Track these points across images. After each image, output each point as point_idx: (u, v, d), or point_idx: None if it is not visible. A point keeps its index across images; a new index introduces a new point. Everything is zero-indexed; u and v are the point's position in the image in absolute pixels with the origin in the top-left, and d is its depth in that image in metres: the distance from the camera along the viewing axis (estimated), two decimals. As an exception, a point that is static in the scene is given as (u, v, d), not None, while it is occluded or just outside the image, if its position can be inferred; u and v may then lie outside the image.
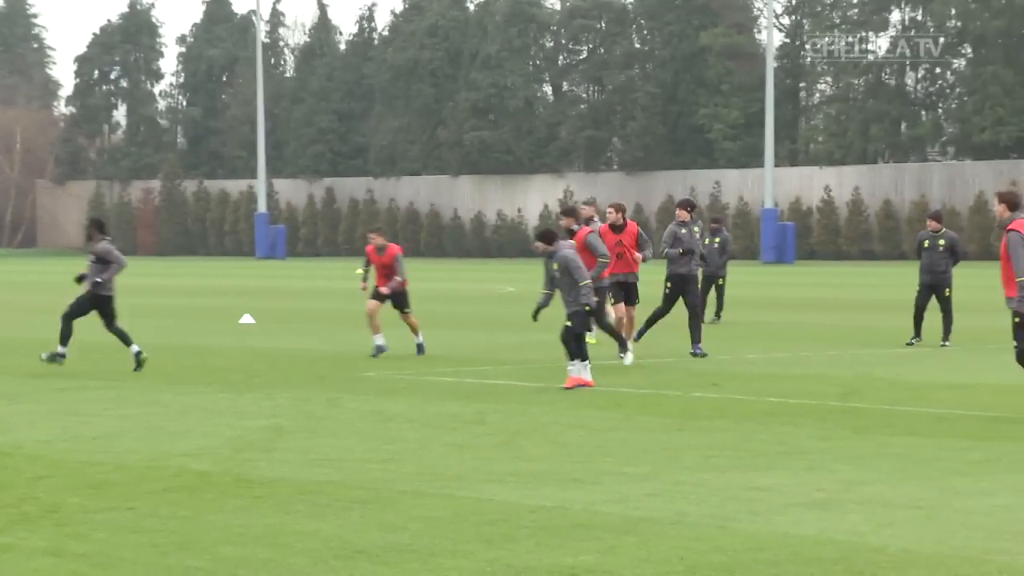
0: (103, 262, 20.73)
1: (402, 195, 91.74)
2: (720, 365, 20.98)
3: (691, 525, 9.89)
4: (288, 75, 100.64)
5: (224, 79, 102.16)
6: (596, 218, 22.37)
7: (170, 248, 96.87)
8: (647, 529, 9.79)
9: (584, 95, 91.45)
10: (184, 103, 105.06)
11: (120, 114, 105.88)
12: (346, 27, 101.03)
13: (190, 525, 9.99)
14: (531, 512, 10.35)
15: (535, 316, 18.84)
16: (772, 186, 73.95)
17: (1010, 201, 15.03)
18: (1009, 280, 14.88)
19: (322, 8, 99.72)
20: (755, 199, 77.50)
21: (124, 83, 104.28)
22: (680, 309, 21.97)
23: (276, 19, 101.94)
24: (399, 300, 22.33)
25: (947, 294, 23.85)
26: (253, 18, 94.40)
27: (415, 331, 22.48)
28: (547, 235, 18.40)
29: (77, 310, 20.88)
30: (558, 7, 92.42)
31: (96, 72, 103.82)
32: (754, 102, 79.89)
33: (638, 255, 21.57)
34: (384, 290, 22.15)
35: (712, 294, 30.14)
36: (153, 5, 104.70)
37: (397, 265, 22.24)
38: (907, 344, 23.78)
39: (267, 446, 13.51)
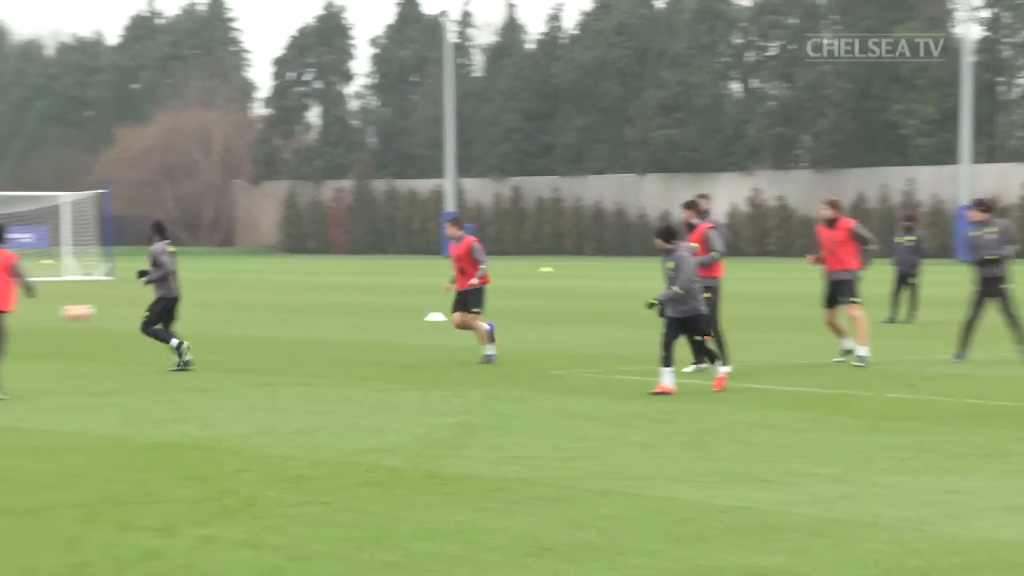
0: (154, 264, 20.70)
1: (588, 194, 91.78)
2: (915, 366, 20.64)
3: (886, 528, 9.76)
4: (476, 75, 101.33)
5: (414, 80, 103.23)
6: (711, 211, 20.69)
7: (361, 246, 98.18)
8: (840, 531, 9.68)
9: (774, 92, 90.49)
10: (376, 103, 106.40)
11: (314, 115, 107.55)
12: (535, 27, 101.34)
13: (382, 520, 10.12)
14: (719, 512, 10.30)
15: (655, 307, 17.57)
16: (968, 183, 72.41)
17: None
18: None
19: (510, 8, 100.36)
20: (951, 197, 75.95)
21: (318, 84, 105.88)
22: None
23: (465, 20, 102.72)
24: (470, 298, 21.35)
25: None
26: (442, 19, 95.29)
27: (483, 339, 21.25)
28: (667, 232, 17.69)
29: (153, 319, 20.62)
30: (748, 3, 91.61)
31: (292, 74, 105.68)
32: (949, 97, 78.26)
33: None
34: (473, 281, 21.15)
35: (906, 294, 29.68)
36: (346, 8, 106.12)
37: (476, 256, 21.36)
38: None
39: (457, 443, 13.64)
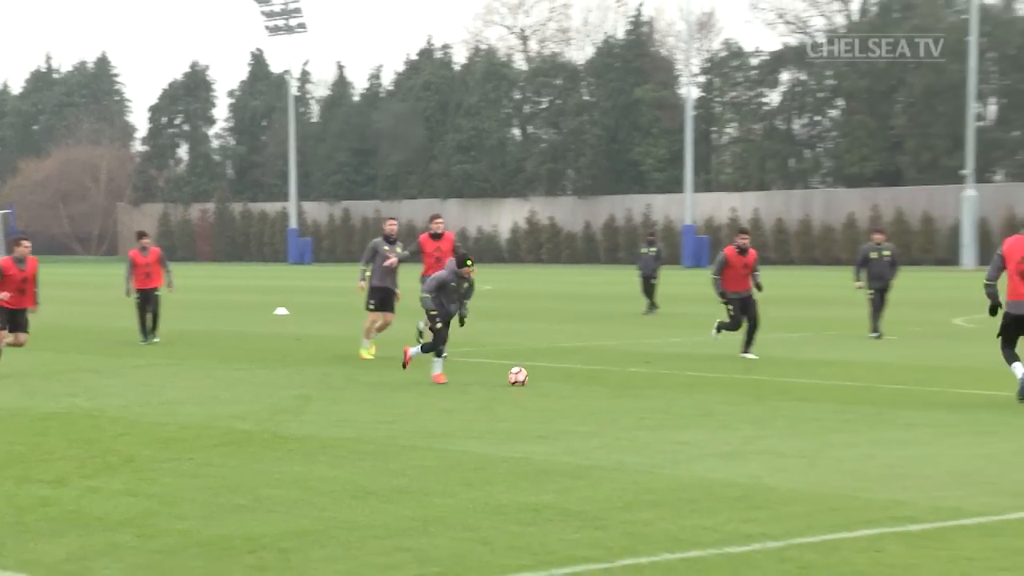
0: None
1: (403, 214, 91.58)
2: (652, 348, 20.97)
3: (628, 471, 9.87)
4: (314, 120, 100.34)
5: (264, 124, 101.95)
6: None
7: (222, 256, 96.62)
8: (594, 475, 9.76)
9: (545, 136, 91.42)
10: (233, 142, 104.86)
11: (183, 151, 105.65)
12: (359, 83, 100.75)
13: (237, 472, 9.94)
14: (503, 461, 10.32)
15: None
16: (691, 208, 74.14)
17: None
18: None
19: (340, 68, 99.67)
20: (679, 218, 77.58)
21: (186, 127, 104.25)
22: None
23: (304, 77, 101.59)
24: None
25: (887, 294, 22.38)
26: (286, 76, 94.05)
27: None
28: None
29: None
30: (525, 67, 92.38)
31: (164, 119, 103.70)
32: (676, 142, 79.99)
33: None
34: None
35: (648, 292, 30.22)
36: (209, 66, 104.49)
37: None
38: (874, 337, 21.97)
39: (297, 410, 13.46)
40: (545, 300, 35.73)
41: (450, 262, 16.24)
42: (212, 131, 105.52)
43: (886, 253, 22.71)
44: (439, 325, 15.94)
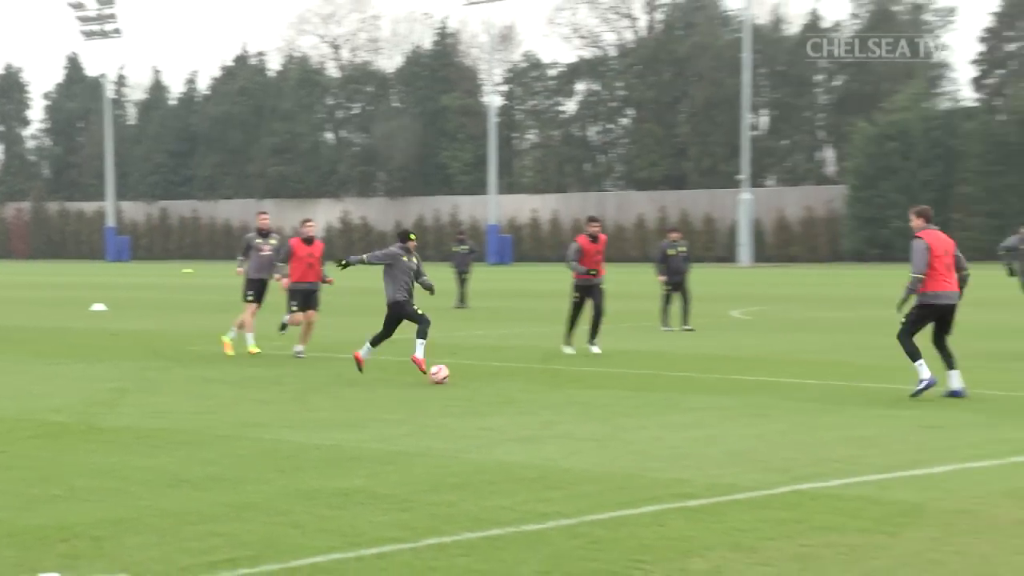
0: None
1: (220, 214, 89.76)
2: (460, 340, 21.04)
3: (435, 456, 9.86)
4: (131, 123, 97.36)
5: (80, 126, 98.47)
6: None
7: (38, 254, 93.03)
8: (402, 460, 9.73)
9: (358, 140, 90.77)
10: (49, 143, 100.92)
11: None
12: (176, 87, 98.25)
13: (51, 464, 9.56)
14: (315, 449, 10.21)
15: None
16: (495, 208, 74.70)
17: (926, 216, 13.52)
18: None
19: (156, 73, 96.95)
20: (483, 218, 78.09)
21: (1, 128, 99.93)
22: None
23: (121, 80, 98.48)
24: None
25: (687, 288, 22.64)
26: (102, 80, 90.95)
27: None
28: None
29: None
30: (337, 75, 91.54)
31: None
32: (481, 147, 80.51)
33: None
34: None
35: (461, 288, 30.34)
36: (23, 68, 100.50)
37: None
38: (665, 329, 22.14)
39: (113, 403, 13.03)
40: (357, 296, 35.51)
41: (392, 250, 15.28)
42: (27, 132, 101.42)
43: (682, 250, 23.12)
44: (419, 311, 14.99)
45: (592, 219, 18.79)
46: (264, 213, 19.57)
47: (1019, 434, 10.76)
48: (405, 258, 15.20)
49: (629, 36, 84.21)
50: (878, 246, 66.70)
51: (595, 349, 18.16)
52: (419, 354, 15.05)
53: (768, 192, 73.58)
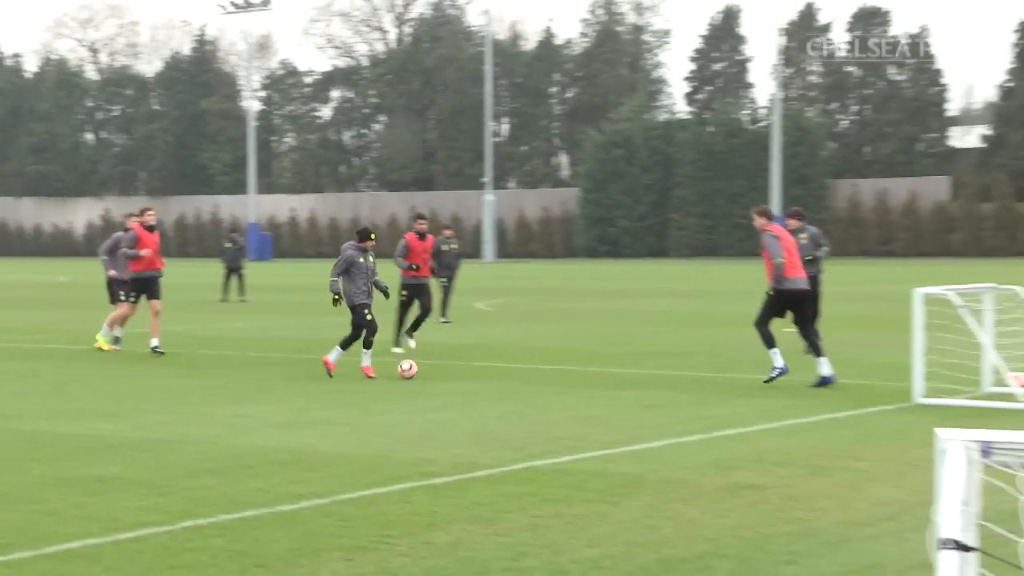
0: None
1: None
2: (224, 332, 20.52)
3: (194, 443, 9.61)
4: None
5: None
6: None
7: None
8: (160, 447, 9.43)
9: (118, 141, 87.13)
10: None
11: None
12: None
13: None
14: (73, 438, 9.76)
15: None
16: (255, 207, 73.21)
17: (767, 215, 13.49)
18: (769, 269, 13.20)
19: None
20: (244, 216, 76.34)
21: None
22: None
23: None
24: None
25: (447, 283, 22.20)
26: None
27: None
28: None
29: None
30: (96, 78, 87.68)
31: None
32: (241, 148, 78.66)
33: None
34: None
35: (235, 283, 29.59)
36: None
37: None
38: (444, 322, 21.53)
39: None
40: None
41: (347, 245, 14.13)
42: None
43: (454, 246, 22.71)
44: (368, 314, 13.83)
45: (420, 216, 17.92)
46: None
47: (723, 411, 11.35)
48: (361, 259, 14.01)
49: (380, 47, 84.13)
50: (607, 243, 68.99)
51: (411, 343, 17.10)
52: (332, 357, 13.96)
53: (509, 194, 74.99)
